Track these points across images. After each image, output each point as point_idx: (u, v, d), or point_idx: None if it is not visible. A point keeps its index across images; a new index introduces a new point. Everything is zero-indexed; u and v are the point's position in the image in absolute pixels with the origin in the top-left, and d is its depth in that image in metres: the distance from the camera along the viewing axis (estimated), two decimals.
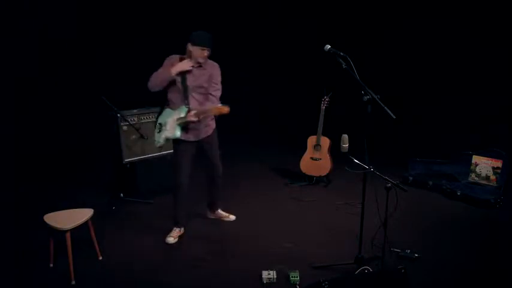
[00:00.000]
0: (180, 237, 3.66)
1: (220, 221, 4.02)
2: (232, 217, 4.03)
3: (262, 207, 4.34)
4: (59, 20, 5.59)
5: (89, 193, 4.64)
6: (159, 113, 3.59)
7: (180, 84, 3.37)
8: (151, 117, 4.51)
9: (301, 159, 5.00)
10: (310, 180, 5.00)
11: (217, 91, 3.46)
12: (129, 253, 3.41)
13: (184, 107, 3.38)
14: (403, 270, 2.55)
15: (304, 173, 5.00)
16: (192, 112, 3.30)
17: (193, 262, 3.26)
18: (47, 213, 3.08)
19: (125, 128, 4.34)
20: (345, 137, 3.10)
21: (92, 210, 3.18)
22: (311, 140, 4.96)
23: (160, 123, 3.53)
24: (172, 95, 3.45)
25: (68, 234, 2.93)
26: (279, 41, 6.86)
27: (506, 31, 4.94)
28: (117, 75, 5.91)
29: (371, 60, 5.79)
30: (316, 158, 4.91)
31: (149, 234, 3.75)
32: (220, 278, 3.05)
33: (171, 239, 3.60)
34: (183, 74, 3.35)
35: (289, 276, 2.96)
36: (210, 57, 3.40)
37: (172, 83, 3.37)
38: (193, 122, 3.33)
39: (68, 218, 3.01)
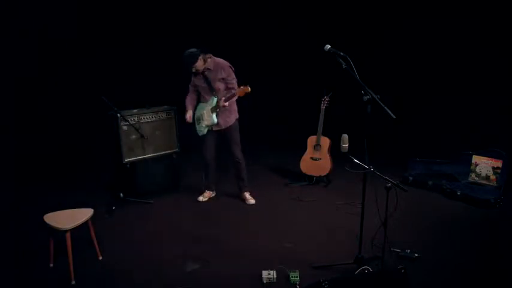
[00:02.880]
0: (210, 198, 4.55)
1: (220, 220, 4.03)
2: (252, 201, 4.43)
3: (262, 207, 4.34)
4: (59, 20, 5.59)
5: (89, 193, 4.64)
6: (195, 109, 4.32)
7: (204, 83, 4.12)
8: (152, 117, 4.52)
9: (301, 159, 5.00)
10: (310, 180, 5.00)
11: (233, 83, 4.10)
12: (129, 253, 3.41)
13: (214, 97, 4.10)
14: (403, 270, 2.55)
15: (304, 173, 5.00)
16: (222, 99, 3.98)
17: (193, 262, 3.26)
18: (47, 213, 3.08)
19: (124, 128, 4.34)
20: (345, 137, 3.10)
21: (92, 210, 3.18)
22: (311, 140, 4.96)
23: (197, 116, 4.28)
24: (204, 93, 4.20)
25: (68, 234, 2.93)
26: (278, 40, 6.85)
27: (506, 31, 4.94)
28: (117, 75, 5.91)
29: (371, 60, 5.79)
30: (316, 158, 4.91)
31: (149, 234, 3.75)
32: (220, 278, 3.05)
33: (201, 198, 4.48)
34: (203, 75, 4.10)
35: (289, 276, 2.96)
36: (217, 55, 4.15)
37: (198, 86, 4.20)
38: (224, 106, 4.00)
39: (68, 218, 3.02)
